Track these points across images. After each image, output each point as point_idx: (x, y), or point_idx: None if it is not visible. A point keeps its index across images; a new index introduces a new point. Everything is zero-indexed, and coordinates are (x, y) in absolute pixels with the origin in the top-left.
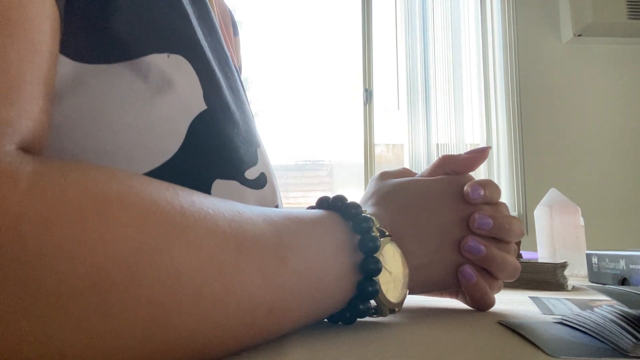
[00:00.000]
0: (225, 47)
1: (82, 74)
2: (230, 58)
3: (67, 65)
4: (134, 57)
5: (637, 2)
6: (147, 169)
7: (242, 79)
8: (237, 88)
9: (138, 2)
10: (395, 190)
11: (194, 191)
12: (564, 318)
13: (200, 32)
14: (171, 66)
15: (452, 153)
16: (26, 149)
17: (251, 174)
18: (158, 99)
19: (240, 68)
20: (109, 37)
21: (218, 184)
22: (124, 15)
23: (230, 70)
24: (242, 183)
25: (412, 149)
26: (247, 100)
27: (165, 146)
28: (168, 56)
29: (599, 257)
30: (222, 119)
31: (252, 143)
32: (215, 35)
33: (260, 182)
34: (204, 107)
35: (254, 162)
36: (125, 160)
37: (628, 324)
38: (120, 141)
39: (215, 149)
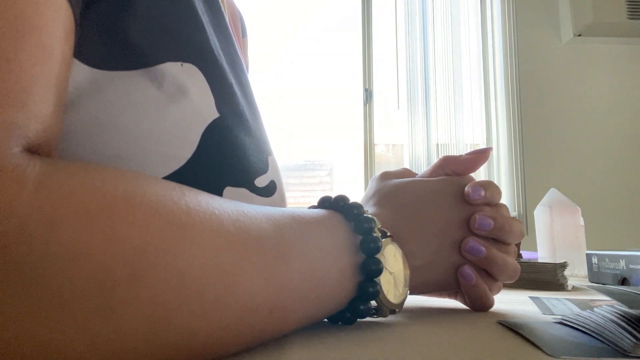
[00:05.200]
0: (240, 54)
1: (98, 80)
2: (243, 64)
3: (83, 71)
4: (149, 64)
5: (637, 2)
6: (160, 176)
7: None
8: (251, 95)
9: (154, 11)
10: (396, 190)
11: (201, 192)
12: (564, 318)
13: (215, 41)
14: (185, 75)
15: (452, 153)
16: (35, 151)
17: (261, 181)
18: (172, 107)
19: (247, 70)
20: (126, 44)
21: (228, 192)
22: (141, 23)
23: (245, 78)
24: (252, 191)
25: (412, 149)
26: (258, 107)
27: (179, 153)
28: (182, 65)
29: (599, 257)
30: (235, 126)
31: (264, 150)
32: (231, 43)
33: (270, 189)
34: (216, 115)
35: (264, 170)
36: (139, 167)
37: (628, 324)
38: (135, 147)
39: (227, 157)
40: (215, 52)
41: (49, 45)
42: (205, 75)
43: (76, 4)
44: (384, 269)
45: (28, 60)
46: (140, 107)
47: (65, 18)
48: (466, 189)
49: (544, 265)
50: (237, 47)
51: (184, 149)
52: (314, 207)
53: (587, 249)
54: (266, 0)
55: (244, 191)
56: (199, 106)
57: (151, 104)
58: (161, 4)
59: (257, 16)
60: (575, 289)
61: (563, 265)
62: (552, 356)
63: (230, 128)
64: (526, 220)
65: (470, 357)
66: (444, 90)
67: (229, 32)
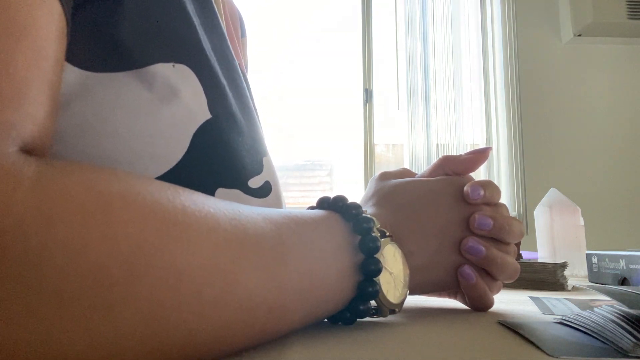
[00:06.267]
0: (234, 54)
1: (89, 82)
2: (238, 65)
3: (73, 73)
4: (140, 66)
5: (637, 2)
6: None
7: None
8: (245, 96)
9: (145, 12)
10: (395, 190)
11: (195, 191)
12: (564, 318)
13: (207, 42)
14: (176, 76)
15: (452, 153)
16: (30, 151)
17: (255, 182)
18: (163, 108)
19: (246, 70)
20: (116, 46)
21: (220, 193)
22: (131, 24)
23: (239, 78)
24: (245, 192)
25: (412, 149)
26: (255, 108)
27: (169, 154)
28: (173, 66)
29: (599, 257)
30: (227, 127)
31: (258, 152)
32: (224, 43)
33: (265, 190)
34: (208, 116)
35: (258, 171)
36: (130, 168)
37: (628, 324)
38: (125, 149)
39: (218, 158)
40: (207, 53)
41: (43, 47)
42: (198, 76)
43: (68, 6)
44: (384, 269)
45: (23, 62)
46: (131, 108)
47: (58, 20)
48: (465, 188)
49: (544, 265)
50: (231, 47)
51: (175, 151)
52: (312, 207)
53: (587, 249)
54: (266, 0)
55: (237, 192)
56: (191, 107)
57: (142, 106)
58: (151, 5)
59: (257, 16)
60: (575, 289)
61: (563, 265)
62: (552, 356)
63: (222, 129)
64: (526, 220)
65: (470, 357)
66: (444, 90)
67: (222, 32)
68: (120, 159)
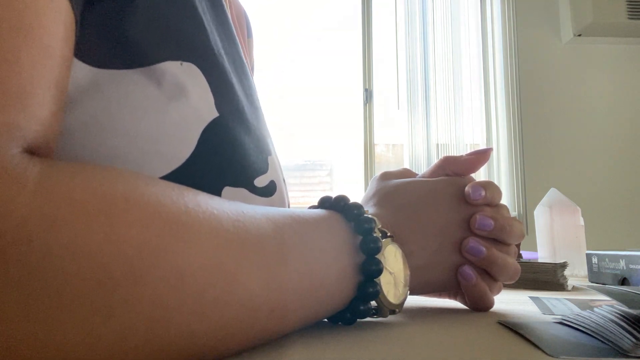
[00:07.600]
0: (243, 54)
1: (98, 79)
2: (246, 65)
3: (83, 70)
4: (148, 63)
5: (637, 2)
6: (158, 176)
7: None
8: (253, 95)
9: (154, 10)
10: (396, 190)
11: (200, 192)
12: (564, 318)
13: (217, 40)
14: (184, 74)
15: (452, 153)
16: (34, 152)
17: (261, 181)
18: (171, 106)
19: (252, 70)
20: (125, 43)
21: (227, 192)
22: (140, 22)
23: (247, 78)
24: (251, 191)
25: (412, 149)
26: (260, 107)
27: (177, 153)
28: (181, 64)
29: (599, 257)
30: (234, 126)
31: (264, 151)
32: (233, 42)
33: (270, 189)
34: (215, 114)
35: (264, 170)
36: (137, 166)
37: (628, 324)
38: (133, 147)
39: (226, 157)
40: (216, 52)
41: (49, 46)
42: (205, 75)
43: (77, 3)
44: (384, 269)
45: (28, 61)
46: (139, 106)
47: (66, 19)
48: (466, 189)
49: (544, 265)
50: (240, 46)
51: (183, 149)
52: (314, 207)
53: (587, 249)
54: None
55: (243, 191)
56: (198, 105)
57: (150, 103)
58: (161, 3)
59: (257, 15)
60: (575, 289)
61: (563, 265)
62: (552, 356)
63: (229, 127)
64: (526, 220)
65: (470, 357)
66: (444, 90)
67: (231, 31)
68: (128, 157)
